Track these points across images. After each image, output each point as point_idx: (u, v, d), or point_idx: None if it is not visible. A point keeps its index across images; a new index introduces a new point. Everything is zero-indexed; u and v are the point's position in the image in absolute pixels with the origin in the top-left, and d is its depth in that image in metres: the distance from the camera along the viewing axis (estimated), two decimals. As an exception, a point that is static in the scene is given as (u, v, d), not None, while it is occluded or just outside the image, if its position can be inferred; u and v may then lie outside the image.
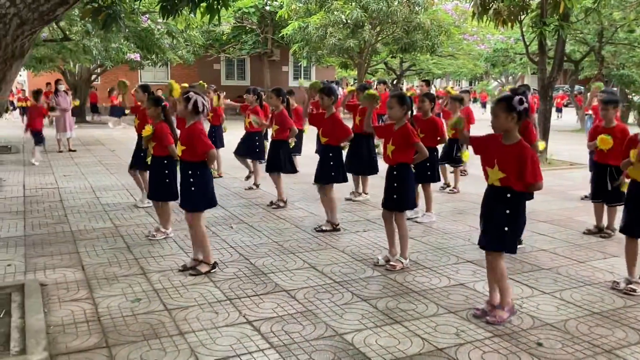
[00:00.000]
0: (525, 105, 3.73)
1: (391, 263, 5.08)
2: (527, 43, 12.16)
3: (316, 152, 8.12)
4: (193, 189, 4.77)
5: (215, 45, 25.63)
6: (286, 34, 17.61)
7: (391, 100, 4.91)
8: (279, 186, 7.63)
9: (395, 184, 5.00)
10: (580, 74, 26.72)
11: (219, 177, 9.87)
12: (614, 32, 20.59)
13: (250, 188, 8.85)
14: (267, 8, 22.85)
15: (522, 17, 11.31)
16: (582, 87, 30.66)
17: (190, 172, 4.78)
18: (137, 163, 7.07)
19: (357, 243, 5.95)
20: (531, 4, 11.02)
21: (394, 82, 26.95)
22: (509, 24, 11.26)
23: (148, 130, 5.64)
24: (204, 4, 9.00)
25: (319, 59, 18.17)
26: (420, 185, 6.73)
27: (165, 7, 8.14)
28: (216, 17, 9.34)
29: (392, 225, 5.15)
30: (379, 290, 4.61)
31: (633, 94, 26.26)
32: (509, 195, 3.79)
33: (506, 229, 3.81)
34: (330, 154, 6.22)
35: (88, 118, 23.52)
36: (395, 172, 5.00)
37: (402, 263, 5.08)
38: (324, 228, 6.36)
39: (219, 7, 8.88)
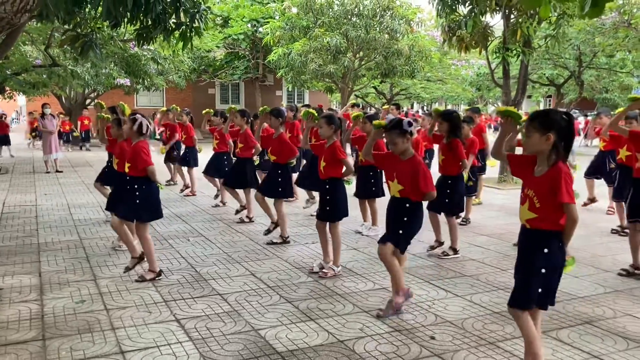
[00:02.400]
0: (413, 127, 4.21)
1: (324, 270, 5.50)
2: (493, 68, 12.68)
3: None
4: (137, 201, 5.22)
5: (209, 70, 26.34)
6: (272, 59, 18.23)
7: (320, 121, 5.40)
8: (247, 202, 8.05)
9: (327, 197, 5.45)
10: (565, 98, 27.30)
11: (192, 195, 10.34)
12: (593, 57, 21.15)
13: (217, 205, 9.29)
14: (258, 35, 23.55)
15: (489, 43, 11.86)
16: (577, 111, 31.33)
17: (135, 185, 5.24)
18: (102, 178, 7.53)
19: (302, 254, 6.37)
20: (493, 31, 11.57)
21: (383, 105, 27.50)
22: (478, 50, 11.82)
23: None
24: (177, 33, 9.58)
25: (303, 84, 18.76)
26: (366, 200, 7.21)
27: (140, 34, 8.71)
28: (189, 44, 9.87)
29: (326, 235, 5.58)
30: (306, 294, 5.02)
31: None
32: (407, 205, 4.26)
33: (400, 232, 4.25)
34: (279, 171, 6.69)
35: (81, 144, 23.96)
36: (327, 186, 5.46)
37: (334, 270, 5.49)
38: (274, 241, 6.80)
39: (192, 35, 9.47)
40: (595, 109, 25.66)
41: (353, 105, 13.05)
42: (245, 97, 30.78)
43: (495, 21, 11.69)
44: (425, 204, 4.72)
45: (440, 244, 6.42)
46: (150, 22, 9.64)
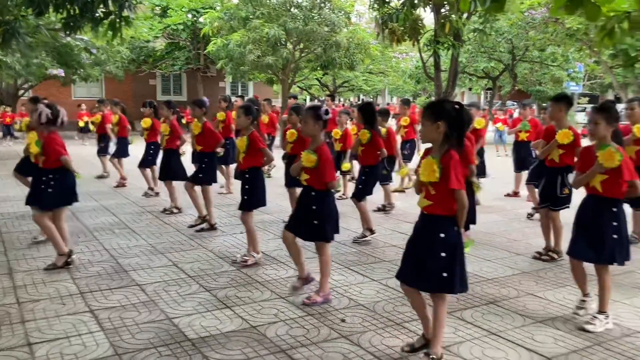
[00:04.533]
0: (329, 116, 4.32)
1: (244, 257, 5.56)
2: (425, 60, 13.02)
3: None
4: (51, 190, 5.16)
5: (149, 61, 25.83)
6: (211, 50, 18.07)
7: (238, 111, 5.45)
8: (172, 193, 8.01)
9: (247, 187, 5.51)
10: (502, 90, 28.20)
11: (122, 186, 10.19)
12: (525, 51, 21.93)
13: (147, 194, 9.23)
14: (198, 25, 23.27)
15: (420, 36, 12.15)
16: (515, 103, 32.38)
17: (50, 175, 5.19)
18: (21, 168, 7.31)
19: (228, 244, 6.41)
20: (424, 24, 11.86)
21: (324, 98, 27.68)
22: (411, 43, 12.10)
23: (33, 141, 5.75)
24: (105, 22, 9.36)
25: (243, 75, 18.69)
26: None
27: (67, 23, 8.46)
28: (120, 34, 9.65)
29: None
30: (226, 282, 5.07)
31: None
32: (313, 193, 4.38)
33: (315, 222, 4.36)
34: (205, 159, 6.74)
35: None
36: (246, 176, 5.51)
37: (254, 257, 5.57)
38: (194, 226, 6.85)
39: (121, 24, 9.26)
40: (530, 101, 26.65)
41: (290, 97, 13.11)
42: (187, 89, 30.34)
43: (427, 14, 11.98)
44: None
45: (371, 231, 6.58)
46: (77, 11, 9.41)
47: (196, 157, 6.89)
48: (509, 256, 6.03)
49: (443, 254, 3.31)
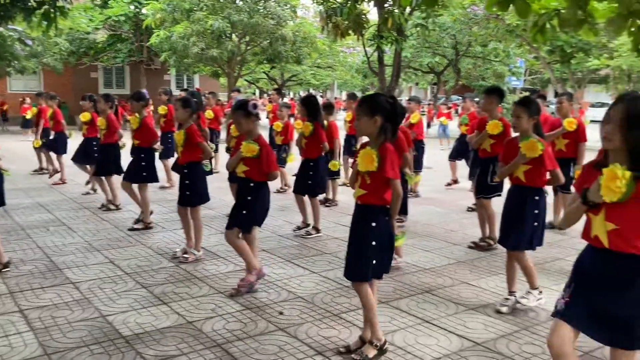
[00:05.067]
0: (258, 109, 4.32)
1: (184, 255, 5.50)
2: (370, 55, 13.11)
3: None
4: None
5: (90, 53, 25.05)
6: (153, 42, 17.69)
7: (176, 104, 5.38)
8: (112, 189, 7.82)
9: (187, 182, 5.44)
10: (446, 85, 28.81)
11: (62, 183, 9.87)
12: (468, 46, 22.45)
13: (87, 193, 8.95)
14: (141, 17, 22.71)
15: (364, 31, 12.22)
16: (459, 98, 33.12)
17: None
18: None
19: (167, 240, 6.31)
20: (368, 19, 11.93)
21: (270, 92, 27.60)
22: (356, 37, 12.15)
23: None
24: (39, 12, 9.02)
25: (188, 68, 18.39)
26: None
27: (-4, 13, 8.06)
28: (54, 24, 9.31)
29: (188, 219, 5.57)
30: (164, 279, 5.00)
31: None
32: (251, 184, 4.37)
33: (244, 212, 4.36)
34: (142, 155, 6.60)
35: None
36: (186, 171, 5.44)
37: (195, 255, 5.51)
38: (134, 227, 6.69)
39: (56, 15, 8.94)
40: (473, 96, 27.31)
41: (234, 90, 13.00)
42: (130, 82, 29.58)
43: (371, 9, 12.11)
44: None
45: (306, 225, 6.61)
46: (8, 0, 9.02)
47: (134, 151, 6.72)
48: (446, 246, 6.18)
49: (374, 243, 3.37)
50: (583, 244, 2.60)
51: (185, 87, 29.50)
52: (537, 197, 4.18)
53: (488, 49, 23.89)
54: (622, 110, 2.33)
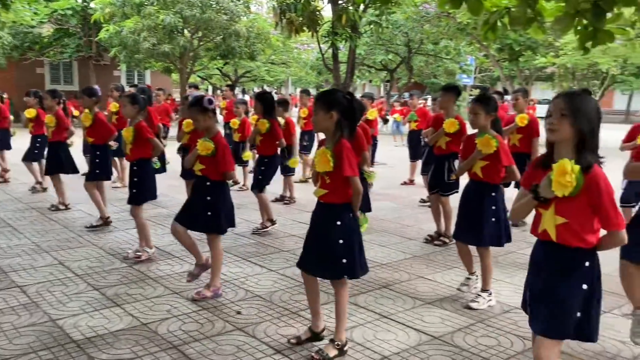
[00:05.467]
0: (214, 104, 4.24)
1: (137, 254, 5.36)
2: (324, 52, 13.15)
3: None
4: None
5: (35, 48, 24.13)
6: (103, 37, 17.21)
7: (123, 100, 5.23)
8: (59, 189, 7.55)
9: (135, 179, 5.30)
10: (399, 82, 29.14)
11: (4, 182, 9.49)
12: (420, 44, 22.76)
13: (34, 189, 8.67)
14: (89, 11, 22.03)
15: (319, 27, 12.24)
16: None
17: None
18: None
19: (120, 240, 6.14)
20: (322, 15, 11.96)
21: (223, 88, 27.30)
22: (310, 34, 12.16)
23: None
24: (-24, 3, 8.60)
25: (139, 64, 17.97)
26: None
27: None
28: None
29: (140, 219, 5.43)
30: (117, 280, 4.85)
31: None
32: (208, 183, 4.28)
33: (209, 213, 4.27)
34: (97, 153, 6.41)
35: None
36: (135, 168, 5.31)
37: (147, 253, 5.38)
38: (93, 224, 6.49)
39: (-4, 7, 8.54)
40: (425, 93, 27.73)
41: (191, 87, 12.77)
42: (79, 78, 28.67)
43: (325, 6, 12.07)
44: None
45: (265, 225, 6.54)
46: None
47: (88, 150, 6.51)
48: (401, 241, 6.24)
49: (341, 241, 3.36)
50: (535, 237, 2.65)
51: (135, 83, 28.85)
52: (494, 194, 4.25)
53: (439, 47, 24.29)
54: (562, 102, 2.40)
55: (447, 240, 6.10)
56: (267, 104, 6.25)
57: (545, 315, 2.43)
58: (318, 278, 3.58)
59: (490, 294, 4.36)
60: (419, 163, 9.67)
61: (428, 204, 7.99)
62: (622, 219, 2.37)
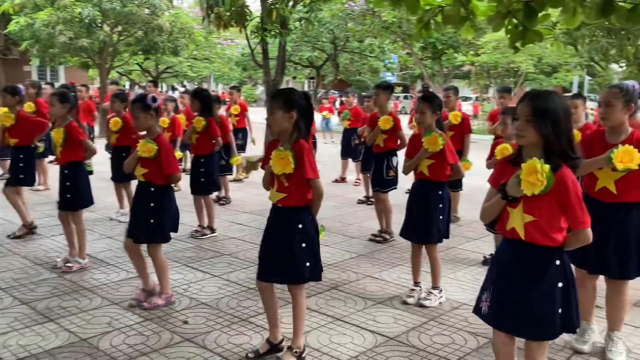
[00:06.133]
0: (158, 102, 4.00)
1: (68, 264, 5.00)
2: (253, 48, 12.88)
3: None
4: None
5: None
6: (12, 30, 16.08)
7: (52, 99, 4.86)
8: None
9: (67, 183, 4.95)
10: (325, 79, 29.28)
11: None
12: (346, 42, 22.95)
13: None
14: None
15: (247, 23, 11.96)
16: (336, 92, 33.76)
17: None
18: None
19: (46, 248, 5.72)
20: (251, 10, 11.71)
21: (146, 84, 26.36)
22: (238, 29, 11.85)
23: None
24: None
25: (53, 59, 16.94)
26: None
27: None
28: None
29: (70, 225, 5.08)
30: (47, 292, 4.49)
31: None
32: (152, 189, 4.04)
33: (152, 220, 4.03)
34: (21, 156, 5.90)
35: None
36: (66, 172, 4.95)
37: (80, 263, 5.03)
38: (17, 233, 6.00)
39: None
40: (350, 90, 28.00)
41: (112, 83, 12.18)
42: (-15, 73, 26.74)
43: (254, 1, 11.84)
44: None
45: (202, 227, 6.30)
46: None
47: (9, 152, 5.98)
48: (344, 240, 6.20)
49: (303, 245, 3.26)
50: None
51: (48, 79, 27.33)
52: (440, 192, 4.28)
53: (364, 45, 24.59)
54: (527, 107, 2.40)
55: (387, 237, 6.12)
56: (204, 101, 6.02)
57: (526, 320, 2.43)
58: (275, 287, 3.44)
59: (440, 290, 4.39)
60: (351, 161, 9.74)
61: (369, 202, 8.05)
62: (588, 217, 2.40)
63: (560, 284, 2.41)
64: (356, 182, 9.63)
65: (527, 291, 2.42)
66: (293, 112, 3.17)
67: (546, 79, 30.39)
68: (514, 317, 2.45)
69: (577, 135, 6.22)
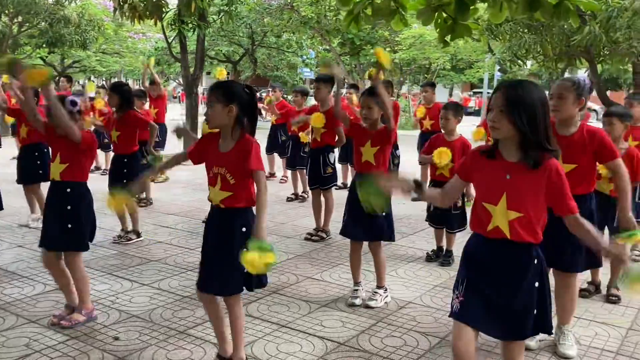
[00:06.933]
0: (78, 107, 3.63)
1: (-27, 279, 4.45)
2: (170, 41, 12.37)
3: None
4: None
5: None
6: None
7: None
8: None
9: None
10: (242, 75, 28.74)
11: None
12: (264, 37, 22.59)
13: None
14: None
15: (164, 15, 11.43)
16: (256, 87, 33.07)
17: None
18: None
19: (-55, 260, 5.09)
20: (167, 2, 11.20)
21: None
22: (153, 21, 11.29)
23: None
24: None
25: (-56, 51, 15.47)
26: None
27: None
28: None
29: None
30: (-50, 312, 3.96)
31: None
32: (69, 189, 3.64)
33: (69, 226, 3.62)
34: None
35: None
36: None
37: (-12, 277, 4.50)
38: None
39: None
40: (269, 86, 27.66)
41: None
42: None
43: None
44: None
45: (127, 232, 5.85)
46: None
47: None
48: (279, 240, 5.98)
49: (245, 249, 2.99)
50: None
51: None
52: None
53: (282, 40, 24.31)
54: (501, 97, 2.30)
55: (324, 236, 5.97)
56: (124, 96, 5.58)
57: (512, 320, 2.33)
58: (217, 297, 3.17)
59: (385, 290, 4.28)
60: (277, 156, 9.53)
61: (299, 199, 7.88)
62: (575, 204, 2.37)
63: (537, 284, 2.34)
64: (282, 179, 9.42)
65: (512, 291, 2.32)
66: (232, 106, 2.90)
67: (456, 76, 31.51)
68: (500, 319, 2.33)
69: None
